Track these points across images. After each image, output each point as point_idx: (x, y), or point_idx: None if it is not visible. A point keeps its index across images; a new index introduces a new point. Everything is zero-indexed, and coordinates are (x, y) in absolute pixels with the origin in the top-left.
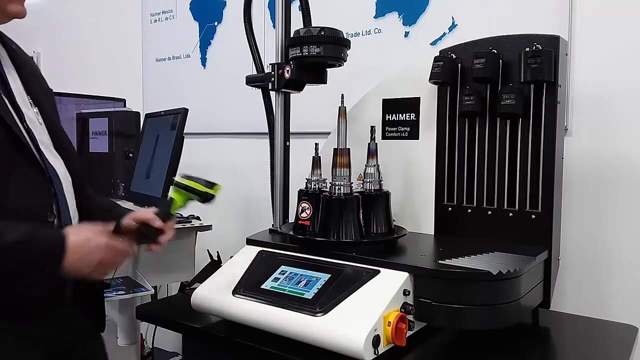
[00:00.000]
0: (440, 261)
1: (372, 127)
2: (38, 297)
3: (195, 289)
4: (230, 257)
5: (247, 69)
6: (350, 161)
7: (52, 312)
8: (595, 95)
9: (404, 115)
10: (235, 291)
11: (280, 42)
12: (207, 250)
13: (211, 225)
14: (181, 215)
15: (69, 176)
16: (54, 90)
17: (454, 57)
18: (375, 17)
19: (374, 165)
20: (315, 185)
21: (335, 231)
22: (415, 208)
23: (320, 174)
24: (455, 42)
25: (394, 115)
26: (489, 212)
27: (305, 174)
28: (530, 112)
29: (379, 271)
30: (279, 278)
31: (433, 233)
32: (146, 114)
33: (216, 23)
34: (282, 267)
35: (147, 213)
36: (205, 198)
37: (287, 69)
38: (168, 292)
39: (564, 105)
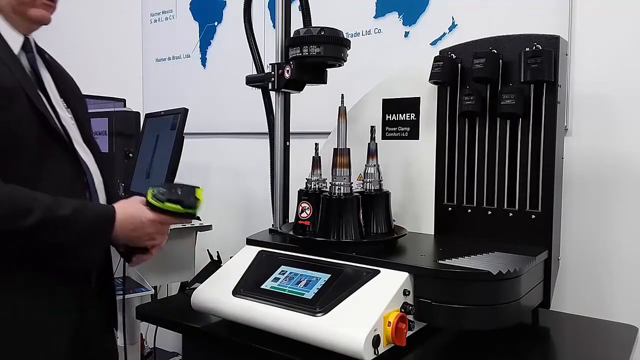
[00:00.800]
0: (440, 261)
1: (372, 127)
2: (78, 270)
3: (195, 289)
4: (230, 257)
5: (247, 69)
6: (350, 161)
7: (82, 291)
8: (595, 95)
9: (404, 115)
10: (235, 291)
11: (280, 42)
12: (207, 250)
13: (211, 225)
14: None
15: (99, 173)
16: None
17: (454, 57)
18: (375, 17)
19: (374, 165)
20: (315, 185)
21: (335, 231)
22: (415, 208)
23: (320, 174)
24: (455, 42)
25: (394, 115)
26: (489, 212)
27: (305, 174)
28: (530, 112)
29: (379, 271)
30: (279, 278)
31: (433, 233)
32: (146, 114)
33: (216, 23)
34: (282, 267)
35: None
36: (188, 217)
37: (287, 69)
38: (168, 292)
39: (564, 105)
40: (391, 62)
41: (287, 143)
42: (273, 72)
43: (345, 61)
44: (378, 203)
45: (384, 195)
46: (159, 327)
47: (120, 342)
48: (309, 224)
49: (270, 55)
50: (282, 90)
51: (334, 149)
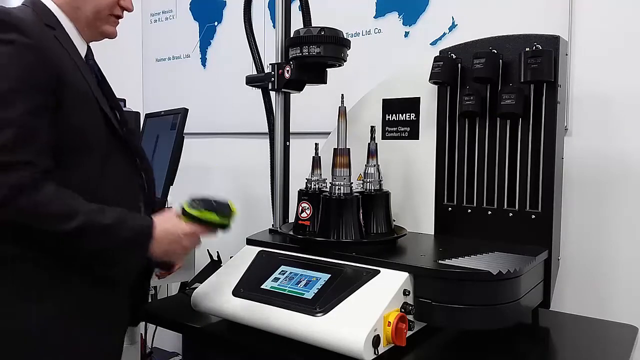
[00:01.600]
0: (440, 261)
1: (372, 127)
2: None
3: (195, 289)
4: (230, 257)
5: (247, 69)
6: (350, 161)
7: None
8: (595, 95)
9: (404, 115)
10: (235, 291)
11: (280, 42)
12: (207, 250)
13: None
14: None
15: (149, 174)
16: None
17: (454, 57)
18: (375, 17)
19: (374, 165)
20: (315, 185)
21: (335, 231)
22: (415, 208)
23: (320, 174)
24: (455, 42)
25: (394, 115)
26: (489, 212)
27: (305, 174)
28: (530, 112)
29: (379, 271)
30: (279, 278)
31: (433, 233)
32: (146, 114)
33: (216, 23)
34: (282, 267)
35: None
36: (222, 228)
37: (287, 69)
38: (168, 292)
39: (564, 105)
40: (391, 62)
41: (287, 143)
42: (273, 72)
43: (345, 61)
44: (378, 203)
45: (384, 195)
46: (158, 327)
47: None
48: (309, 224)
49: (270, 55)
50: (282, 90)
51: (334, 149)
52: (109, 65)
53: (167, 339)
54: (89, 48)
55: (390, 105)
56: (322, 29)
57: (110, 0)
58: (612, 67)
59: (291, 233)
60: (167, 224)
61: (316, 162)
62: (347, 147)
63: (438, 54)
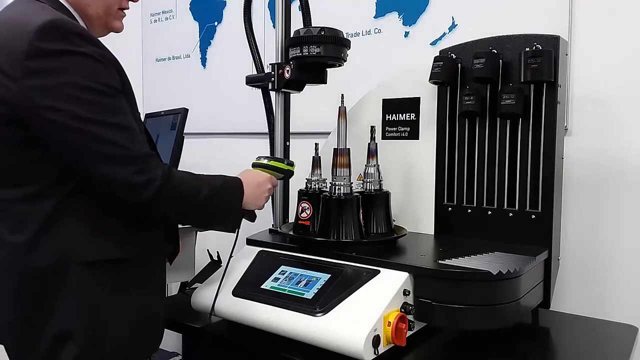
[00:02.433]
0: (440, 261)
1: (372, 127)
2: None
3: (195, 289)
4: (231, 257)
5: (247, 69)
6: (350, 161)
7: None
8: (595, 95)
9: (404, 115)
10: (235, 291)
11: (280, 42)
12: (207, 250)
13: None
14: None
15: None
16: None
17: (454, 57)
18: (375, 17)
19: (374, 165)
20: (315, 185)
21: (335, 231)
22: (415, 208)
23: (320, 174)
24: (455, 42)
25: (394, 115)
26: (489, 212)
27: (305, 174)
28: (530, 112)
29: (379, 271)
30: (279, 278)
31: (433, 233)
32: (146, 114)
33: (216, 23)
34: (282, 267)
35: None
36: (288, 175)
37: (287, 69)
38: (168, 292)
39: (564, 105)
40: (391, 62)
41: (287, 143)
42: (273, 72)
43: (345, 61)
44: (378, 203)
45: (384, 195)
46: None
47: None
48: (309, 224)
49: (270, 55)
50: (282, 90)
51: (334, 149)
52: None
53: (167, 339)
54: None
55: (390, 105)
56: (322, 29)
57: None
58: (612, 67)
59: (291, 233)
60: (245, 176)
61: (316, 162)
62: (347, 147)
63: (438, 54)
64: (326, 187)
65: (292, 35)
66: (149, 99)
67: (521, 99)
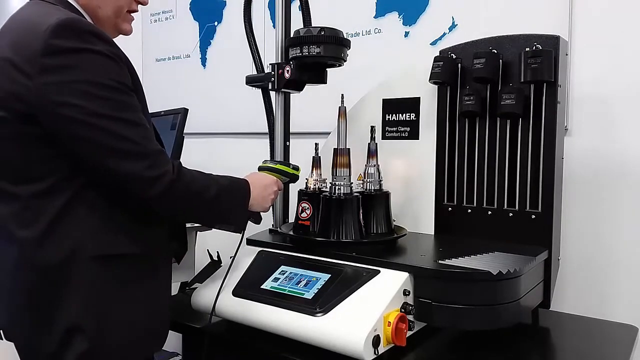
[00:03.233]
0: (440, 261)
1: (372, 127)
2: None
3: (195, 289)
4: (230, 257)
5: (247, 69)
6: (350, 161)
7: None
8: (595, 95)
9: (404, 115)
10: (235, 291)
11: (280, 42)
12: (207, 250)
13: None
14: None
15: None
16: None
17: (454, 57)
18: (375, 17)
19: (374, 165)
20: (315, 185)
21: (335, 231)
22: (415, 208)
23: (320, 174)
24: (455, 42)
25: (394, 115)
26: (489, 212)
27: (306, 174)
28: (530, 112)
29: (379, 271)
30: (279, 278)
31: (433, 233)
32: None
33: (216, 23)
34: (282, 267)
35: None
36: (293, 179)
37: (287, 69)
38: None
39: (564, 105)
40: (391, 62)
41: (287, 143)
42: (273, 72)
43: (345, 61)
44: (378, 203)
45: (384, 195)
46: None
47: None
48: (309, 224)
49: (270, 55)
50: (282, 90)
51: (334, 149)
52: None
53: (167, 339)
54: None
55: (390, 105)
56: (322, 29)
57: None
58: (612, 67)
59: (291, 233)
60: (251, 178)
61: (316, 162)
62: (347, 147)
63: (438, 54)
64: (326, 187)
65: (292, 35)
66: (149, 98)
67: (521, 99)
